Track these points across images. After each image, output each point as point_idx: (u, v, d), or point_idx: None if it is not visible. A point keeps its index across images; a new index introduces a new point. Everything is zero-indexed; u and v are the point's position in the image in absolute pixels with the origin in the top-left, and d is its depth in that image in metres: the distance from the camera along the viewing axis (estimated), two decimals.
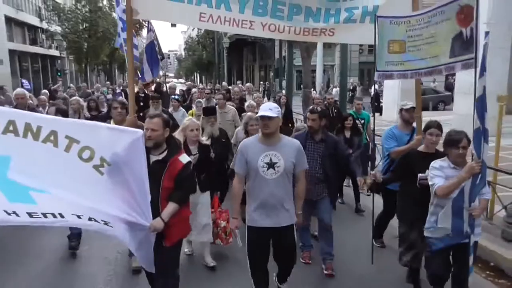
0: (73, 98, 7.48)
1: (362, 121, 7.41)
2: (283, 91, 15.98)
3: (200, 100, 9.07)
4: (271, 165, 3.52)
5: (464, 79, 11.21)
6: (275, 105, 3.72)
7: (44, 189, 2.88)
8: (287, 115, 9.23)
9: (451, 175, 3.51)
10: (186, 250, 5.12)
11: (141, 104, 9.28)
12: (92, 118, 6.93)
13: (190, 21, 5.02)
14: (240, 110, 8.00)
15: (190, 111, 8.75)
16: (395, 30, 4.26)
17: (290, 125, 9.36)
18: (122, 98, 7.42)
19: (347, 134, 6.67)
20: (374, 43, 4.25)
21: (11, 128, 2.86)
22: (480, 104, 3.37)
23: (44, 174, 2.91)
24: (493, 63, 11.31)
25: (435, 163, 3.62)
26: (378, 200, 5.18)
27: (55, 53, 39.91)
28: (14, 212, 2.68)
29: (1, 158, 2.84)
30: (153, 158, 3.37)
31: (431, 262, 3.80)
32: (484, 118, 3.34)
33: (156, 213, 3.27)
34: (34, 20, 38.68)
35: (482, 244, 5.05)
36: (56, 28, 32.77)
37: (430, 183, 3.58)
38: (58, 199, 2.87)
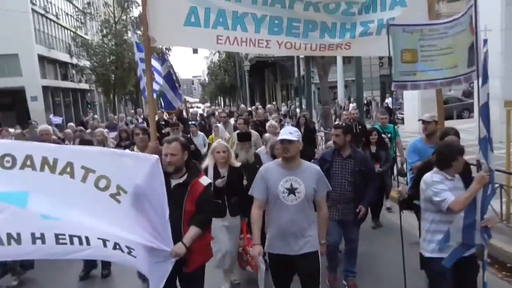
0: (97, 129, 7.72)
1: (389, 135, 7.14)
2: (299, 111, 16.07)
3: (218, 124, 9.11)
4: (291, 190, 3.42)
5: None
6: (295, 128, 3.67)
7: (63, 217, 2.90)
8: (310, 135, 9.18)
9: (452, 187, 3.37)
10: (233, 279, 5.03)
11: (163, 132, 9.57)
12: (117, 146, 7.29)
13: (208, 44, 5.06)
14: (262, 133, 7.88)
15: (210, 136, 8.79)
16: (407, 38, 4.19)
17: (313, 144, 9.32)
18: (143, 124, 7.65)
19: (373, 148, 6.50)
20: (389, 53, 4.19)
21: (28, 163, 2.92)
22: (485, 112, 3.31)
23: (62, 205, 2.92)
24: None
25: (434, 177, 3.40)
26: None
27: (85, 86, 41.74)
28: (41, 236, 2.85)
29: (19, 194, 2.88)
30: (174, 182, 3.34)
31: (442, 283, 3.45)
32: (489, 126, 3.29)
33: (179, 237, 3.22)
34: (64, 57, 40.79)
35: (498, 246, 5.15)
36: (85, 62, 34.43)
37: (437, 199, 3.31)
38: (81, 223, 2.92)
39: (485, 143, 3.29)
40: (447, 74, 4.17)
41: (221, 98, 63.02)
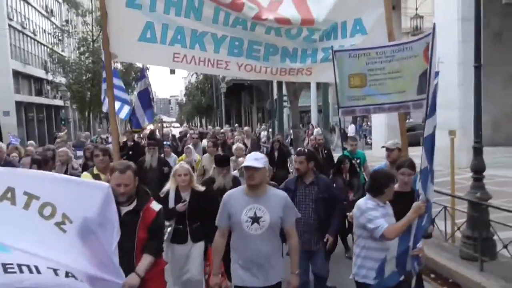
0: (61, 149, 7.28)
1: (358, 161, 7.05)
2: (272, 134, 16.28)
3: (189, 146, 9.04)
4: (255, 219, 3.26)
5: (442, 113, 11.96)
6: (262, 155, 3.54)
7: (7, 247, 2.57)
8: (283, 159, 9.20)
9: (384, 213, 3.41)
10: None
11: (130, 152, 8.92)
12: (83, 166, 7.00)
13: (164, 61, 4.89)
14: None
15: (181, 157, 8.66)
16: (354, 63, 4.15)
17: (286, 168, 9.24)
18: (104, 145, 7.16)
19: (346, 176, 6.25)
20: (335, 80, 4.17)
21: None
22: (429, 143, 3.29)
23: (5, 235, 2.60)
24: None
25: (368, 203, 3.42)
26: None
27: (60, 103, 41.28)
28: None
29: None
30: (124, 210, 3.09)
31: None
32: (433, 158, 3.30)
33: (131, 267, 3.01)
34: (40, 73, 40.52)
35: (442, 263, 5.63)
36: (61, 79, 34.28)
37: (371, 226, 3.32)
38: (28, 254, 2.59)
39: (426, 174, 3.28)
40: (395, 98, 4.19)
41: (198, 118, 63.34)
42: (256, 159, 3.31)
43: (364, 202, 3.49)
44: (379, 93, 4.21)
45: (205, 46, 4.53)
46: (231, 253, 3.47)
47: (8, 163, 6.81)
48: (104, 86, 8.07)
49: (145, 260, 3.08)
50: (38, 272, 2.53)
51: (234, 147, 7.84)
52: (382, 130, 16.99)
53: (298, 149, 5.11)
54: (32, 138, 27.44)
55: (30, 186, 2.74)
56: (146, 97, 8.74)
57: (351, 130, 26.09)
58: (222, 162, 5.13)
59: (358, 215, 3.46)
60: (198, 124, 59.40)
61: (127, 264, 2.96)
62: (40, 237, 2.68)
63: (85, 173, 5.05)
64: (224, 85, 32.77)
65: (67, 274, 2.62)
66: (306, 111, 29.16)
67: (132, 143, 9.73)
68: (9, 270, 2.47)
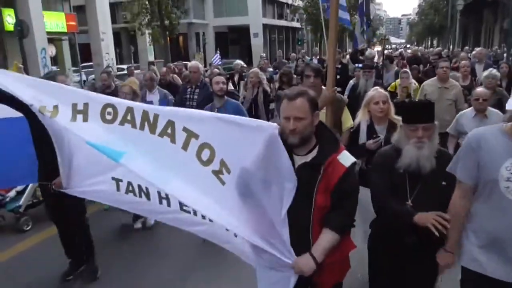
0: (252, 70, 6.67)
1: None
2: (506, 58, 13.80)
3: (406, 70, 7.47)
4: None
5: None
6: None
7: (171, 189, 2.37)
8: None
9: None
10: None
11: (338, 77, 6.73)
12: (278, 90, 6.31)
13: None
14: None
15: (394, 82, 7.32)
16: None
17: None
18: (316, 64, 5.37)
19: None
20: None
21: (129, 117, 2.50)
22: None
23: (167, 175, 2.35)
24: None
25: None
26: None
27: (297, 25, 45.82)
28: (166, 197, 2.57)
29: (114, 152, 2.47)
30: (298, 161, 2.20)
31: None
32: None
33: (306, 245, 2.19)
34: None
35: None
36: (299, 2, 37.86)
37: None
38: (192, 198, 2.32)
39: None
40: None
41: (429, 39, 59.34)
42: None
43: None
44: None
45: None
46: (466, 221, 2.38)
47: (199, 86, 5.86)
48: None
49: (326, 239, 2.19)
50: (211, 221, 2.37)
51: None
52: None
53: None
54: (272, 56, 32.24)
55: (189, 121, 2.34)
56: (361, 11, 8.39)
57: None
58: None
59: None
60: (428, 46, 55.94)
61: (299, 239, 2.17)
62: (202, 186, 2.28)
63: None
64: (462, 2, 30.09)
65: (234, 234, 2.34)
66: None
67: (339, 66, 8.72)
68: (184, 208, 2.51)
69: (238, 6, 38.37)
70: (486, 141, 2.25)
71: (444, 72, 5.50)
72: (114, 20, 25.42)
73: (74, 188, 3.06)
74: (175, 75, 9.14)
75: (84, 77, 19.79)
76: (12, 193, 5.18)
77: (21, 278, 4.12)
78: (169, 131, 2.40)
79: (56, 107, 2.71)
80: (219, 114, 2.45)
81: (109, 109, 2.58)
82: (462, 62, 7.00)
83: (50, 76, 3.61)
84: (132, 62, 28.26)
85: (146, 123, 2.47)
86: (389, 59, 9.73)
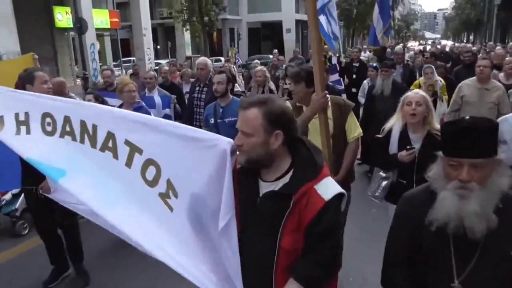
0: (258, 68, 6.21)
1: None
2: None
3: (430, 65, 6.31)
4: None
5: None
6: None
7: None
8: None
9: None
10: None
11: (354, 76, 7.74)
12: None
13: None
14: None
15: (416, 81, 6.47)
16: None
17: None
18: (298, 68, 4.29)
19: None
20: None
21: (68, 128, 2.18)
22: None
23: (107, 198, 1.99)
24: None
25: None
26: None
27: None
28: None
29: (54, 171, 2.17)
30: (264, 189, 1.66)
31: None
32: None
33: None
34: None
35: None
36: None
37: None
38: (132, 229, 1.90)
39: None
40: None
41: (465, 34, 58.02)
42: None
43: None
44: None
45: None
46: None
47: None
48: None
49: None
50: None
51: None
52: None
53: None
54: (306, 52, 32.59)
55: (131, 132, 1.93)
56: (386, 4, 7.70)
57: None
58: None
59: None
60: (465, 41, 54.73)
61: (262, 285, 1.67)
62: (146, 211, 1.89)
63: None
64: None
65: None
66: None
67: (357, 64, 8.14)
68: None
69: (272, 2, 38.87)
70: None
71: (481, 72, 4.82)
72: (151, 16, 26.50)
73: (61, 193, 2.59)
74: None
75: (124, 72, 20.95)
76: (7, 196, 4.91)
77: (16, 282, 3.92)
78: (110, 144, 2.02)
79: (1, 118, 2.47)
80: (168, 124, 1.87)
81: (48, 119, 2.30)
82: (507, 58, 6.08)
83: (28, 73, 3.34)
84: (169, 57, 29.30)
85: (86, 135, 2.13)
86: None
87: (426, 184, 1.69)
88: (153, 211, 1.87)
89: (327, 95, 2.68)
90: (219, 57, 27.99)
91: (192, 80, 6.54)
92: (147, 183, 1.88)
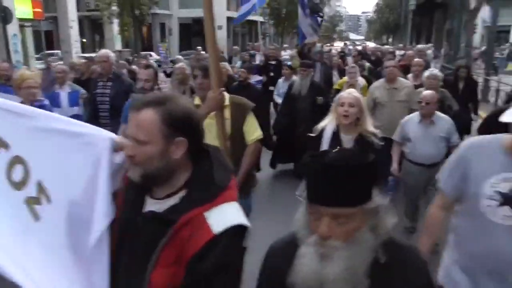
0: (178, 65, 5.94)
1: None
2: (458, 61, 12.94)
3: (354, 65, 7.03)
4: (510, 200, 1.73)
5: None
6: None
7: None
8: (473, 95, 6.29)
9: None
10: None
11: (271, 74, 7.89)
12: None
13: None
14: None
15: (340, 81, 6.92)
16: None
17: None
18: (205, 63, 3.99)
19: None
20: None
21: None
22: None
23: None
24: None
25: None
26: None
27: (260, 18, 46.92)
28: None
29: None
30: (149, 206, 1.36)
31: None
32: None
33: None
34: None
35: None
36: None
37: None
38: None
39: None
40: None
41: (386, 37, 62.28)
42: None
43: None
44: None
45: None
46: (452, 242, 2.03)
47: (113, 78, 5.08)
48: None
49: None
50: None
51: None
52: None
53: None
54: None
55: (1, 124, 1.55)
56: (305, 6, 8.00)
57: None
58: None
59: None
60: (385, 43, 58.73)
61: None
62: (6, 220, 1.51)
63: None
64: (414, 2, 32.19)
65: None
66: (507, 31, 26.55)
67: (274, 62, 8.16)
68: None
69: None
70: (480, 151, 1.84)
71: (391, 72, 5.06)
72: (77, 8, 25.41)
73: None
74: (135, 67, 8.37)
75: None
76: None
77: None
78: None
79: None
80: (49, 116, 1.54)
81: None
82: (415, 60, 6.39)
83: None
84: (97, 50, 28.29)
85: None
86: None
87: (291, 234, 1.32)
88: (15, 219, 1.50)
89: (225, 93, 2.56)
90: (149, 52, 27.57)
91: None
92: (13, 185, 1.51)
